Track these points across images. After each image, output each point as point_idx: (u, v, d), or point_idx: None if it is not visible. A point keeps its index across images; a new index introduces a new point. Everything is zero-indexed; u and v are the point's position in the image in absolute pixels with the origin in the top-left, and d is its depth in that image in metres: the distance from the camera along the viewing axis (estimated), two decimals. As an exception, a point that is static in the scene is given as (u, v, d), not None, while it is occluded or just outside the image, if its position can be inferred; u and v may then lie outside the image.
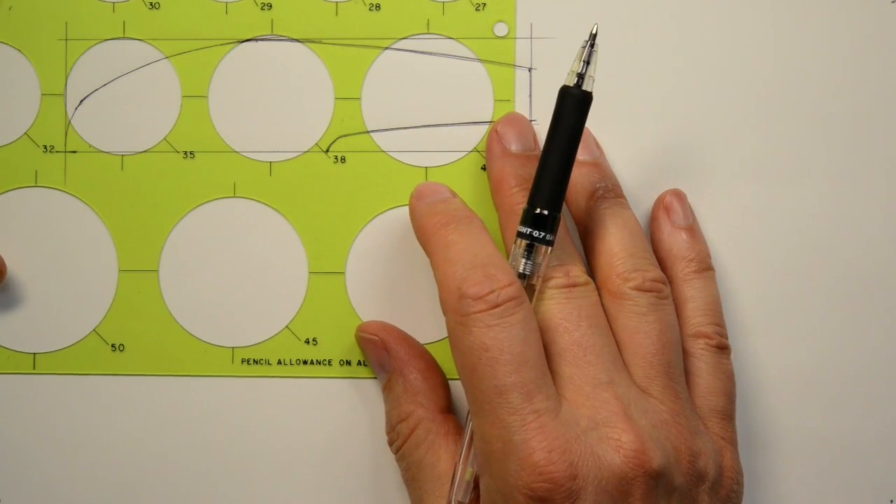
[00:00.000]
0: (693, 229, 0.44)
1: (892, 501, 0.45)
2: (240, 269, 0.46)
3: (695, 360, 0.42)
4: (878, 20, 0.45)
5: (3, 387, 0.46)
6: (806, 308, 0.45)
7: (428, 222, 0.41)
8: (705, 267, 0.44)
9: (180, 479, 0.46)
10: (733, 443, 0.42)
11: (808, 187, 0.45)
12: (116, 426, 0.46)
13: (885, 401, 0.45)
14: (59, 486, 0.46)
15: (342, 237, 0.46)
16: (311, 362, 0.46)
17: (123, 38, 0.46)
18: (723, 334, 0.43)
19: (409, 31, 0.46)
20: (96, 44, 0.46)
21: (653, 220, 0.44)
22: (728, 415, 0.42)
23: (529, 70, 0.45)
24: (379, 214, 0.46)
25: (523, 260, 0.40)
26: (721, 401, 0.42)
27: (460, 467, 0.41)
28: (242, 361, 0.46)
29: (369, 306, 0.46)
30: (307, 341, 0.46)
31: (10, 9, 0.46)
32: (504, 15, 0.46)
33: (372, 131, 0.46)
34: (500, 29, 0.46)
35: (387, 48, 0.46)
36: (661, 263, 0.44)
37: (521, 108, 0.46)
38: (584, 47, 0.40)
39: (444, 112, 0.46)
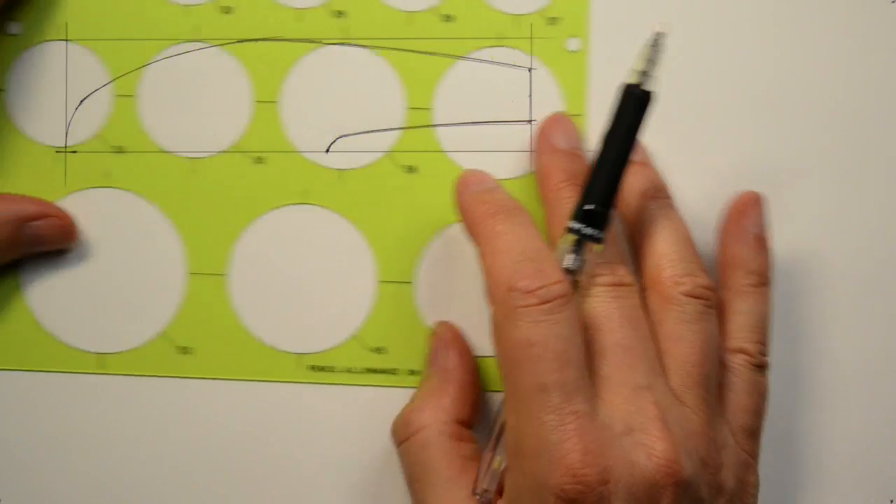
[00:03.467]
0: (762, 239, 0.43)
1: (892, 501, 0.46)
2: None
3: (731, 374, 0.42)
4: (878, 20, 0.45)
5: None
6: (806, 308, 0.46)
7: (475, 211, 0.41)
8: (764, 282, 0.43)
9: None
10: (756, 459, 0.42)
11: (806, 187, 0.45)
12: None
13: (885, 401, 0.45)
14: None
15: (412, 246, 0.46)
16: (378, 371, 0.46)
17: (196, 40, 0.46)
18: (764, 353, 0.42)
19: (482, 42, 0.46)
20: (169, 45, 0.46)
21: (724, 219, 0.44)
22: (755, 433, 0.42)
23: (529, 70, 0.46)
24: (449, 224, 0.46)
25: (570, 255, 0.40)
26: (750, 419, 0.42)
27: (489, 455, 0.40)
28: (309, 368, 0.46)
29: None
30: (375, 350, 0.46)
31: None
32: (577, 29, 0.46)
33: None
34: (573, 43, 0.46)
35: (459, 59, 0.46)
36: (720, 267, 0.43)
37: (523, 108, 0.45)
38: (649, 46, 0.40)
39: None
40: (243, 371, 0.46)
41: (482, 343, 0.46)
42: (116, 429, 0.47)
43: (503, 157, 0.46)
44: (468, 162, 0.46)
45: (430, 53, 0.46)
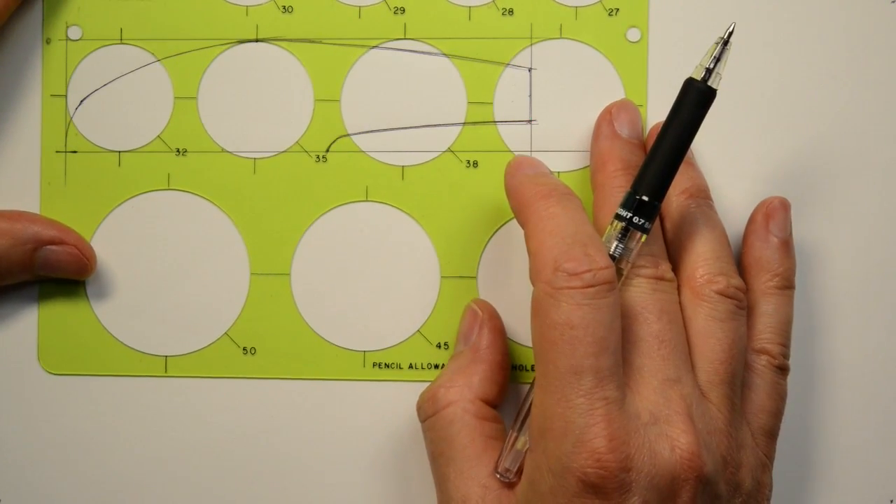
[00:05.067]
0: (788, 243, 0.44)
1: (892, 501, 0.45)
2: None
3: (753, 375, 0.42)
4: (878, 20, 0.45)
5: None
6: (806, 307, 0.45)
7: (528, 191, 0.41)
8: (788, 285, 0.43)
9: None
10: (771, 461, 0.42)
11: (805, 186, 0.45)
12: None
13: (885, 401, 0.45)
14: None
15: (474, 241, 0.46)
16: (443, 366, 0.46)
17: (256, 40, 0.46)
18: (786, 355, 0.43)
19: (541, 35, 0.46)
20: (229, 46, 0.46)
21: (750, 222, 0.44)
22: (773, 434, 0.42)
23: (529, 70, 0.45)
24: (510, 219, 0.46)
25: (616, 243, 0.40)
26: (769, 420, 0.42)
27: (513, 435, 0.41)
28: (374, 365, 0.46)
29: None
30: (438, 345, 0.46)
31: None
32: (637, 20, 0.46)
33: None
34: (634, 34, 0.46)
35: (517, 53, 0.46)
36: (746, 269, 0.44)
37: (523, 108, 0.46)
38: (716, 44, 0.40)
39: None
40: (307, 370, 0.46)
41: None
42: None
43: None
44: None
45: (486, 61, 0.46)
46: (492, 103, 0.46)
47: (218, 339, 0.46)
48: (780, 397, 0.42)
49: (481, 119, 0.46)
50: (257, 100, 0.46)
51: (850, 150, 0.45)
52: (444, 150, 0.46)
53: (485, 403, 0.43)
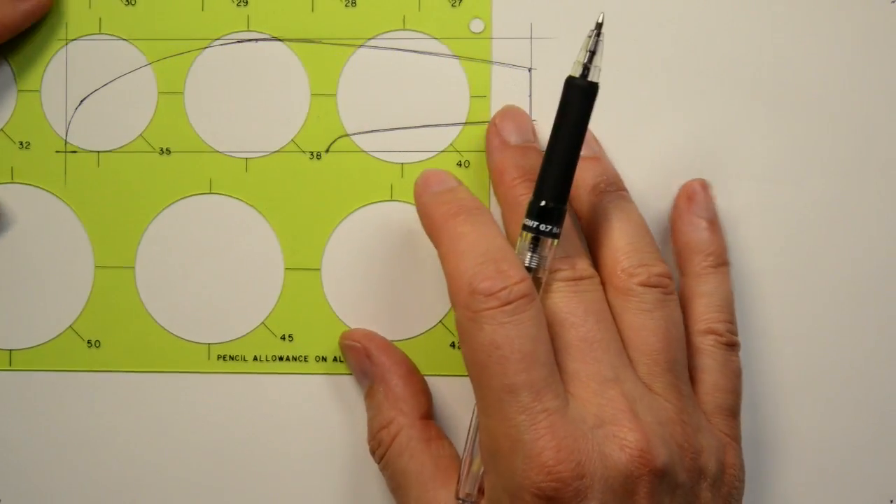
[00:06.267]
0: (714, 222, 0.44)
1: (892, 501, 0.45)
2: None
3: (703, 356, 0.42)
4: (878, 20, 0.45)
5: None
6: (805, 308, 0.45)
7: (436, 212, 0.40)
8: (722, 262, 0.43)
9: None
10: (737, 439, 0.42)
11: (807, 187, 0.45)
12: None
13: (884, 401, 0.45)
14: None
15: (318, 233, 0.46)
16: (287, 358, 0.46)
17: (100, 34, 0.46)
18: (733, 331, 0.43)
19: (385, 27, 0.46)
20: (73, 40, 0.46)
21: (674, 208, 0.44)
22: (733, 412, 0.42)
23: (529, 70, 0.45)
24: (355, 211, 0.46)
25: (529, 253, 0.40)
26: (727, 398, 0.42)
27: (467, 458, 0.40)
28: (218, 358, 0.46)
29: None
30: (283, 337, 0.46)
31: None
32: (480, 11, 0.46)
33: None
34: (477, 25, 0.46)
35: (362, 45, 0.46)
36: (678, 255, 0.44)
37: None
38: (589, 37, 0.39)
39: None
40: (152, 363, 0.46)
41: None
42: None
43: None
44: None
45: (334, 43, 0.46)
46: (334, 95, 0.46)
47: (62, 332, 0.46)
48: (733, 374, 0.42)
49: (324, 110, 0.46)
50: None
51: (850, 151, 0.45)
52: (287, 142, 0.46)
53: (424, 420, 0.43)
